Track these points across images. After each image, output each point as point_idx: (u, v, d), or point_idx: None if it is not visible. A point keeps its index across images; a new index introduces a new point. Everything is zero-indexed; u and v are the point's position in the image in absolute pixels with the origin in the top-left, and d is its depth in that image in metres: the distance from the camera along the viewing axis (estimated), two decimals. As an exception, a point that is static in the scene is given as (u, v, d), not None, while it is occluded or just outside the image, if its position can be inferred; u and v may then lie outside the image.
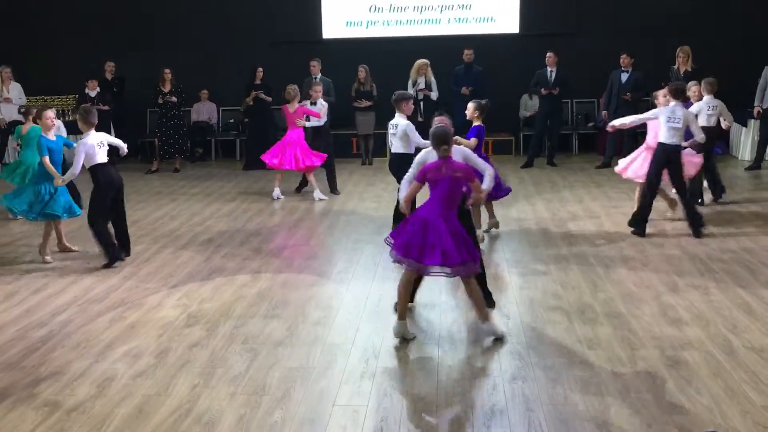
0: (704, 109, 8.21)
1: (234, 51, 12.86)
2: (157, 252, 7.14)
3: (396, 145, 6.95)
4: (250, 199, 9.61)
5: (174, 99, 11.74)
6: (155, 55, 12.48)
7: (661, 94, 7.61)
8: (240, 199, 9.65)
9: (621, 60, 11.08)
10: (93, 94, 11.78)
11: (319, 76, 11.60)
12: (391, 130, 6.99)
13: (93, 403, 4.09)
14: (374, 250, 6.97)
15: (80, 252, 7.06)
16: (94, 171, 6.54)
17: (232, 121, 13.24)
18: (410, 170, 5.07)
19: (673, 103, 7.13)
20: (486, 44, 12.25)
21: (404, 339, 4.83)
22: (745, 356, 4.47)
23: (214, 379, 4.35)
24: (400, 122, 6.88)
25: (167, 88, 11.76)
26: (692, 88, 8.35)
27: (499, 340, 4.79)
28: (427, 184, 4.78)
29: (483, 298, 4.94)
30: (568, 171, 11.12)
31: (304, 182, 9.80)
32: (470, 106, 7.11)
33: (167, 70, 11.76)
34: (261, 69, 11.72)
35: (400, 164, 6.51)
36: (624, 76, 11.07)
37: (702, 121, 7.96)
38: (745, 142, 11.58)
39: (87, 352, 4.78)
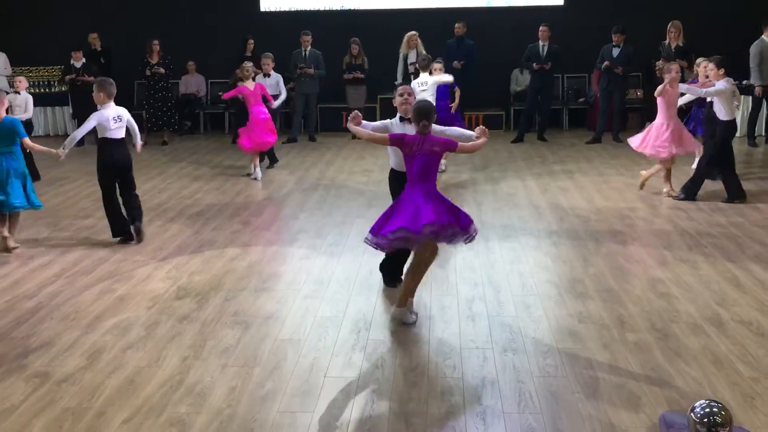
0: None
1: (223, 21, 12.66)
2: (145, 225, 7.08)
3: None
4: (239, 172, 9.54)
5: (162, 71, 11.58)
6: (142, 26, 12.28)
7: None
8: (229, 172, 9.57)
9: (613, 36, 11.03)
10: (78, 65, 11.56)
11: (309, 48, 11.48)
12: (421, 87, 8.25)
13: (83, 374, 4.07)
14: (364, 223, 6.94)
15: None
16: (100, 145, 6.33)
17: (220, 94, 13.06)
18: (378, 122, 4.96)
19: (724, 79, 7.15)
20: (476, 17, 12.14)
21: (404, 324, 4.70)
22: (733, 329, 4.51)
23: (205, 351, 4.34)
24: (429, 79, 8.44)
25: (155, 59, 11.58)
26: (702, 65, 7.87)
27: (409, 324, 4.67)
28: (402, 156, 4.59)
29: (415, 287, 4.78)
30: (559, 146, 11.11)
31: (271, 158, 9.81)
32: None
33: (155, 41, 11.57)
34: (252, 41, 11.54)
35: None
36: (615, 51, 11.03)
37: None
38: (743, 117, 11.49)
39: (76, 324, 4.75)
